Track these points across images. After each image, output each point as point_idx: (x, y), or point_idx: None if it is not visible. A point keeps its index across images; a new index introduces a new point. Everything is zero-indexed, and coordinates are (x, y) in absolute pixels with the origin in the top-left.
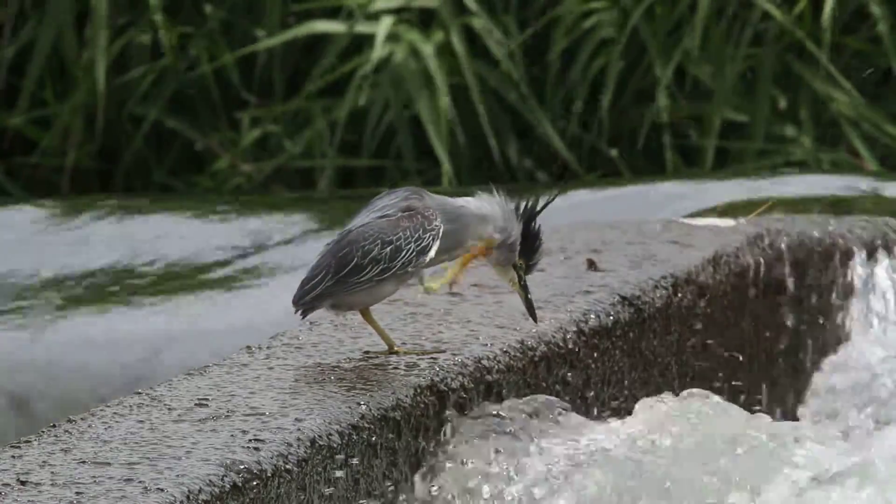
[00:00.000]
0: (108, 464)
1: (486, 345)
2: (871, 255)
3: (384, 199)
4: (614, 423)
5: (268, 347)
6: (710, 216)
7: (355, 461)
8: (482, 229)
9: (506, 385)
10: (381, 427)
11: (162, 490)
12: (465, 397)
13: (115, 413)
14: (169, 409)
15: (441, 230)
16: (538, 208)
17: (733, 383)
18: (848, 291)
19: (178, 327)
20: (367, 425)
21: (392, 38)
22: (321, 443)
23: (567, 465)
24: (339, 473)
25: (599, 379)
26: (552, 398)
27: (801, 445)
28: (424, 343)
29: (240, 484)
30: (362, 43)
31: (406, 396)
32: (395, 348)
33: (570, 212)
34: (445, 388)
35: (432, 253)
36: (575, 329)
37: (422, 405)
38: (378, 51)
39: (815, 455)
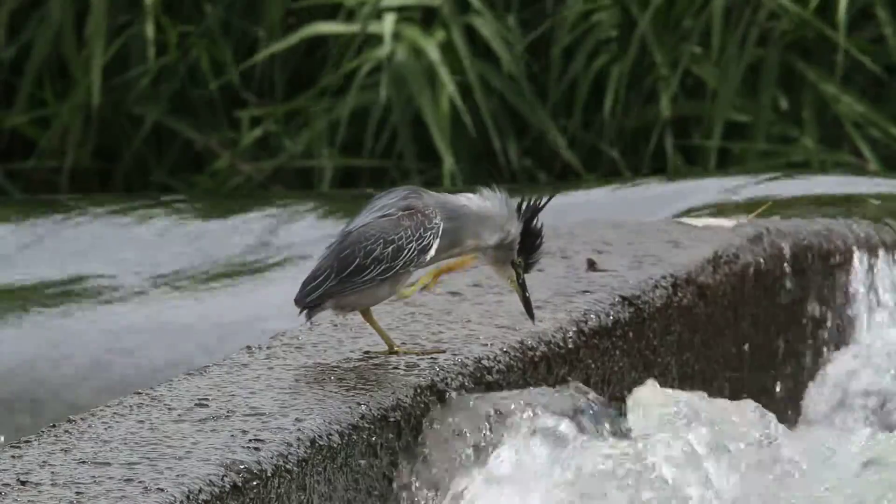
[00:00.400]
0: (108, 464)
1: (486, 345)
2: (872, 255)
3: (384, 199)
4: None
5: (268, 347)
6: (709, 216)
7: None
8: (482, 227)
9: (506, 385)
10: (381, 427)
11: (162, 490)
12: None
13: (115, 413)
14: (169, 409)
15: (441, 228)
16: (539, 206)
17: (733, 384)
18: (848, 291)
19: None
20: (367, 425)
21: (394, 36)
22: (321, 443)
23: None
24: (362, 461)
25: (599, 379)
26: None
27: None
28: (424, 343)
29: (240, 484)
30: (363, 42)
31: (406, 396)
32: (395, 348)
33: (570, 212)
34: (445, 388)
35: (433, 251)
36: (575, 329)
37: (422, 405)
38: (387, 48)
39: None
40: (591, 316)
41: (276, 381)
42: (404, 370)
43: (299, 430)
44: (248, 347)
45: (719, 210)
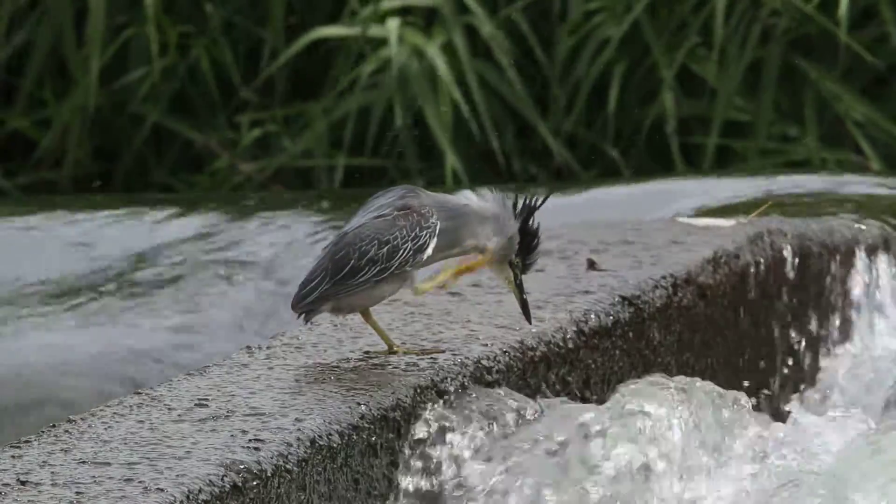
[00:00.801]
0: (108, 464)
1: (486, 345)
2: (873, 255)
3: (380, 199)
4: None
5: (268, 347)
6: (710, 216)
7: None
8: (480, 227)
9: (506, 385)
10: (381, 427)
11: (162, 490)
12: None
13: (115, 413)
14: (169, 409)
15: (438, 228)
16: (536, 205)
17: (733, 383)
18: (849, 291)
19: None
20: (367, 425)
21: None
22: (321, 443)
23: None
24: (362, 461)
25: (599, 379)
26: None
27: None
28: (424, 343)
29: (240, 484)
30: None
31: (406, 396)
32: (395, 348)
33: (571, 212)
34: (445, 388)
35: (429, 251)
36: (575, 329)
37: (422, 405)
38: (394, 50)
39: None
40: (591, 316)
41: (276, 381)
42: (404, 370)
43: (299, 430)
44: (248, 347)
45: (719, 210)
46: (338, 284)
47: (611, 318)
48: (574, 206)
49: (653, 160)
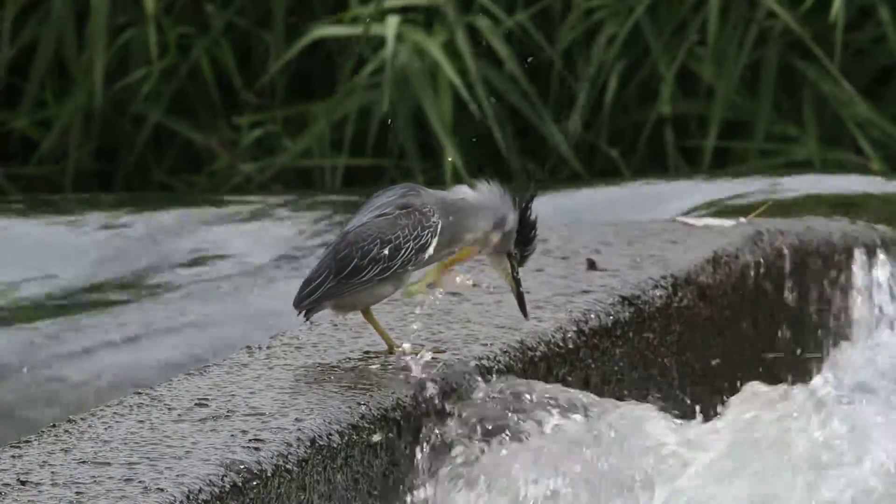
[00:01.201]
0: (108, 464)
1: (486, 345)
2: (872, 255)
3: (381, 198)
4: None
5: (268, 347)
6: (709, 216)
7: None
8: (481, 221)
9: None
10: (381, 427)
11: (162, 490)
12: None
13: (115, 413)
14: (169, 409)
15: (439, 226)
16: (534, 195)
17: (733, 383)
18: (849, 291)
19: None
20: (367, 425)
21: (396, 37)
22: (321, 443)
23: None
24: (362, 461)
25: (599, 379)
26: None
27: None
28: (424, 343)
29: (240, 484)
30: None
31: (406, 396)
32: (395, 348)
33: (571, 212)
34: (445, 388)
35: (431, 250)
36: (575, 329)
37: (422, 405)
38: (390, 49)
39: None
40: (591, 316)
41: (276, 381)
42: (404, 370)
43: (299, 430)
44: (248, 347)
45: (719, 210)
46: (341, 283)
47: (611, 318)
48: (574, 205)
49: (653, 160)
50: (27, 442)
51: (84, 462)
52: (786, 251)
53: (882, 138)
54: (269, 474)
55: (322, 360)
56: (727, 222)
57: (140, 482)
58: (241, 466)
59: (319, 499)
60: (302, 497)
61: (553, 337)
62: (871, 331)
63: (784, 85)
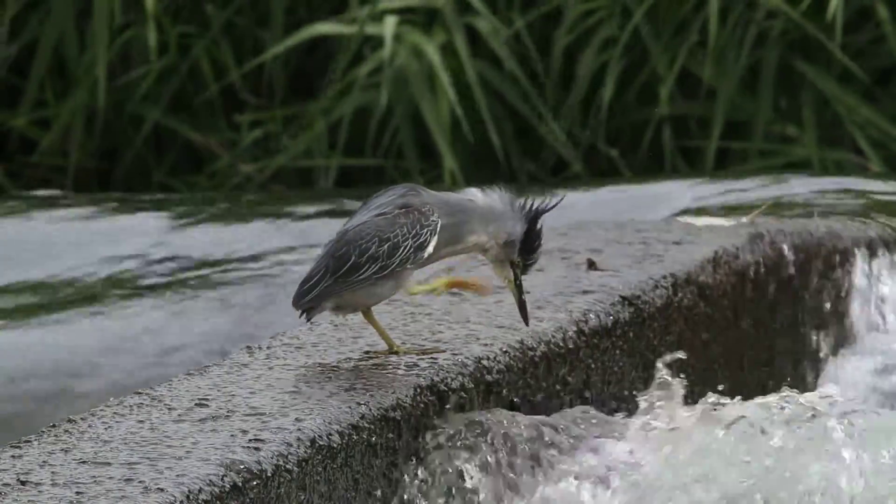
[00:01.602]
0: (108, 464)
1: (486, 345)
2: (872, 255)
3: (381, 197)
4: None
5: (268, 347)
6: (709, 216)
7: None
8: (485, 225)
9: (506, 385)
10: (381, 427)
11: (162, 490)
12: (465, 397)
13: (115, 413)
14: (169, 409)
15: (439, 225)
16: (547, 208)
17: (733, 383)
18: (849, 291)
19: None
20: (367, 425)
21: (395, 38)
22: (321, 443)
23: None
24: (362, 461)
25: (599, 379)
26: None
27: None
28: (424, 343)
29: (240, 484)
30: (364, 42)
31: (406, 396)
32: (395, 348)
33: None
34: (445, 388)
35: (430, 248)
36: (575, 329)
37: (422, 405)
38: (388, 50)
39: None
40: (591, 316)
41: (276, 381)
42: (404, 370)
43: (299, 430)
44: (248, 347)
45: (719, 210)
46: (338, 281)
47: (611, 318)
48: (574, 205)
49: (652, 161)
50: (27, 442)
51: (84, 462)
52: (786, 251)
53: (881, 138)
54: (269, 474)
55: (322, 360)
56: (727, 222)
57: (140, 482)
58: (241, 466)
59: (319, 499)
60: (302, 497)
61: (553, 337)
62: (871, 330)
63: (783, 85)
